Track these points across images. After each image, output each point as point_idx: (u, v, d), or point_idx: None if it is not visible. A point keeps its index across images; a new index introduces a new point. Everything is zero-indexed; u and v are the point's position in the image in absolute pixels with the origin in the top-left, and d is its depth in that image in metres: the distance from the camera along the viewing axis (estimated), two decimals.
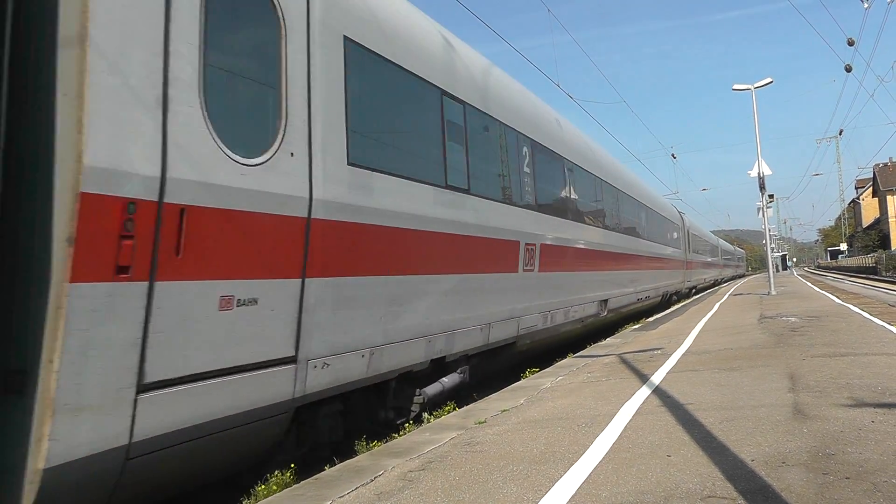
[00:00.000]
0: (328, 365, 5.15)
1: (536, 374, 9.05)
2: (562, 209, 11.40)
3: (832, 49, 19.58)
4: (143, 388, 3.62)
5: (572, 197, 12.09)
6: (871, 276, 45.09)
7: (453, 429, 5.84)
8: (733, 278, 66.50)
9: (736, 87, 25.54)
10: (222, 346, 4.11)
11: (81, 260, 3.30)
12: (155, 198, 3.70)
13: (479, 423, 5.97)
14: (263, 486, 4.69)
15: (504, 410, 6.44)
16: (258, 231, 4.43)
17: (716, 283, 48.02)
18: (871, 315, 12.63)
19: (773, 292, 24.46)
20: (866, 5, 15.72)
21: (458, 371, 7.71)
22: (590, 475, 3.99)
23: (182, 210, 3.86)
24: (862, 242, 77.33)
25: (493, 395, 7.59)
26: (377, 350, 5.77)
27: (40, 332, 3.29)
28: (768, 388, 6.16)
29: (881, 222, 74.69)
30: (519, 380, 8.82)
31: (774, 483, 3.53)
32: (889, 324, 10.76)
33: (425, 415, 6.87)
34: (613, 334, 14.66)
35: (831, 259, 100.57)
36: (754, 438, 4.46)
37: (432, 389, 7.10)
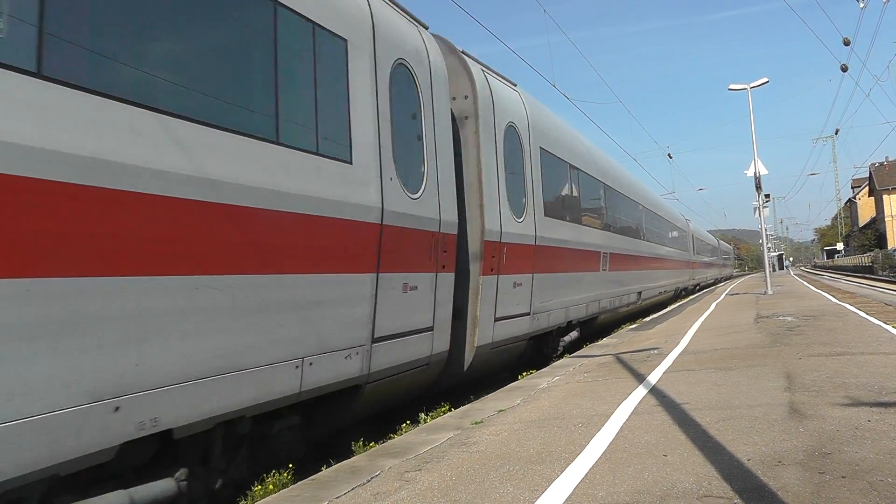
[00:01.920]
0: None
1: (533, 375, 9.05)
2: None
3: (828, 49, 19.68)
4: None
5: None
6: (867, 276, 45.21)
7: (450, 429, 5.83)
8: (717, 282, 53.18)
9: (732, 86, 25.57)
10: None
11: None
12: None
13: (476, 423, 5.96)
14: (260, 487, 4.68)
15: (501, 411, 6.43)
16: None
17: (678, 296, 30.16)
18: (867, 314, 12.65)
19: (770, 291, 24.49)
20: (862, 5, 15.74)
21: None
22: (586, 475, 3.99)
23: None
24: (858, 242, 77.56)
25: (490, 396, 7.59)
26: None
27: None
28: (765, 388, 6.16)
29: (877, 221, 74.94)
30: (516, 380, 8.82)
31: (771, 482, 3.53)
32: (885, 323, 10.77)
33: (422, 415, 6.87)
34: (610, 335, 14.67)
35: (828, 258, 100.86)
36: (750, 438, 4.46)
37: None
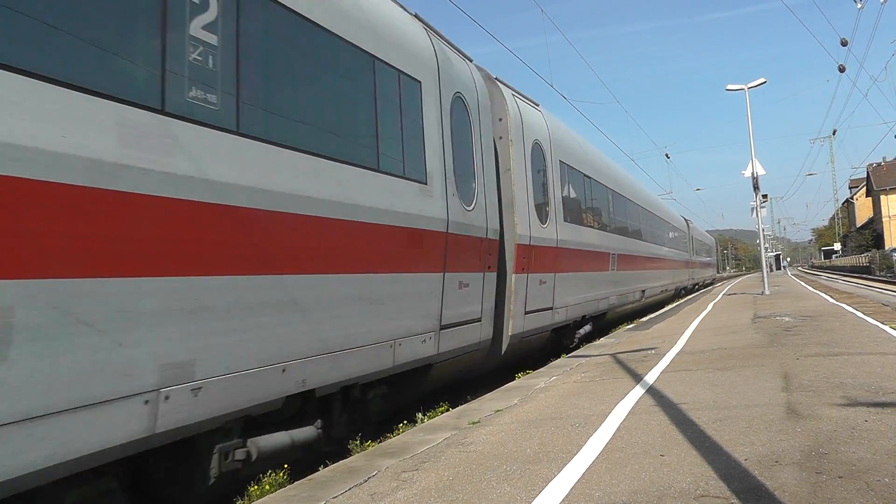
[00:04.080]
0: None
1: (530, 375, 9.04)
2: None
3: (825, 49, 19.80)
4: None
5: None
6: (864, 276, 45.29)
7: (447, 429, 5.82)
8: (678, 294, 31.11)
9: (730, 87, 25.59)
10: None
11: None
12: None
13: (473, 423, 5.95)
14: (256, 487, 4.67)
15: (498, 411, 6.43)
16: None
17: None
18: (864, 314, 12.67)
19: (767, 292, 24.52)
20: (859, 5, 15.78)
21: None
22: (583, 475, 3.98)
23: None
24: (856, 242, 77.68)
25: (487, 396, 7.58)
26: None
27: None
28: (762, 388, 6.17)
29: (875, 222, 75.08)
30: (513, 380, 8.82)
31: (768, 482, 3.53)
32: (883, 323, 10.79)
33: (419, 415, 6.86)
34: (607, 334, 14.68)
35: (825, 259, 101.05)
36: (748, 438, 4.46)
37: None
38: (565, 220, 12.08)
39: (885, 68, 27.61)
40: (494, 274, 8.88)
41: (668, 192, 47.84)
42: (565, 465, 4.23)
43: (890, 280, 34.56)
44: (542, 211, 10.88)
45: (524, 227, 9.93)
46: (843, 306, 15.36)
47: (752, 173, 24.09)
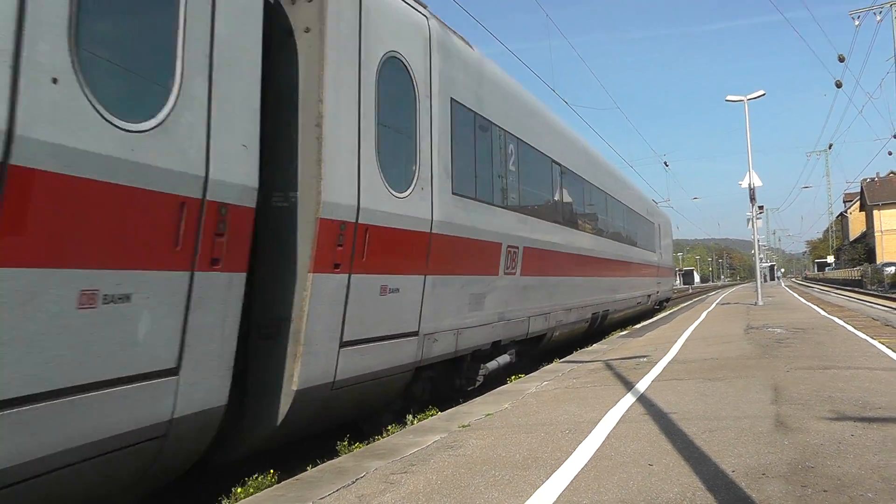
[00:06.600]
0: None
1: (521, 379, 9.05)
2: None
3: (823, 64, 19.95)
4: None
5: None
6: (856, 289, 45.50)
7: (437, 432, 5.83)
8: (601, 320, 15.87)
9: (729, 98, 25.68)
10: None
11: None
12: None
13: (463, 426, 5.96)
14: (241, 490, 4.66)
15: (488, 415, 6.44)
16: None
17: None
18: (854, 328, 12.74)
19: (761, 302, 24.60)
20: (857, 23, 15.89)
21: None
22: (571, 482, 3.99)
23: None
24: (849, 255, 78.06)
25: (478, 399, 7.59)
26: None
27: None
28: (752, 400, 6.19)
29: (867, 236, 75.45)
30: (504, 384, 8.82)
31: (754, 494, 3.55)
32: (872, 338, 10.85)
33: (409, 416, 6.86)
34: (600, 340, 14.71)
35: (818, 271, 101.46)
36: (736, 449, 4.49)
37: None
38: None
39: (880, 85, 27.80)
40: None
41: (666, 200, 47.98)
42: (554, 471, 4.24)
43: (880, 294, 34.75)
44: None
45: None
46: (834, 319, 15.44)
47: (750, 184, 24.18)
